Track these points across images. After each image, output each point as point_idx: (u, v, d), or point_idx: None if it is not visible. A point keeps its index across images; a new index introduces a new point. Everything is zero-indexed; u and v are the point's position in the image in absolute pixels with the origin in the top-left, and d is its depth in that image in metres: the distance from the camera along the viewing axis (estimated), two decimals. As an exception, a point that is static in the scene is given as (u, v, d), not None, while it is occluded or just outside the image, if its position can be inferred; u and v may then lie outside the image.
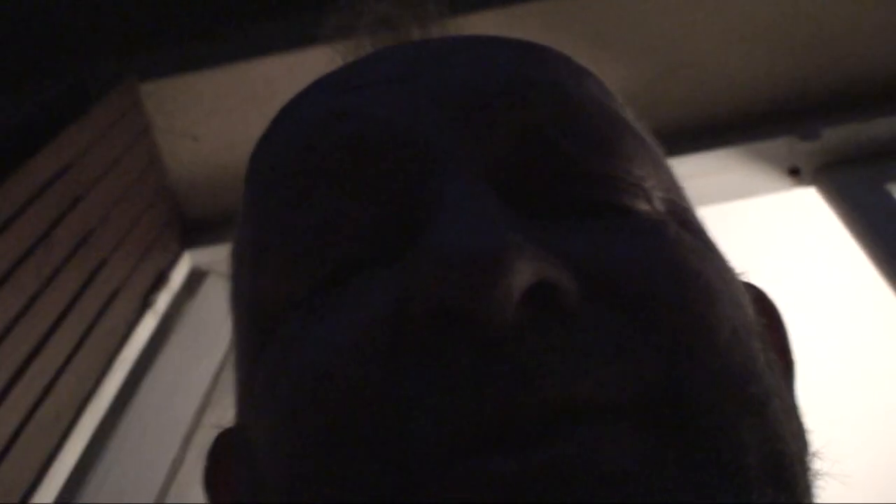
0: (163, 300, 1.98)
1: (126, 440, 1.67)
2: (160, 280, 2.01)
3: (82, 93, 1.97)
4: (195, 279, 2.13)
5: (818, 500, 0.42)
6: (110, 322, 1.78)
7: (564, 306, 0.37)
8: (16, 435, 1.48)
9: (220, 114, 2.10)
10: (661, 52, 2.06)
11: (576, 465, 0.33)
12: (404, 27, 0.63)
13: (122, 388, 1.77)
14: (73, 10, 2.08)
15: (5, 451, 1.45)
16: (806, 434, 0.44)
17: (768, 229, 2.17)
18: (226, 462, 0.53)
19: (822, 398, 2.06)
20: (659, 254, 0.41)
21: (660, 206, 0.45)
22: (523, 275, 0.35)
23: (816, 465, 0.43)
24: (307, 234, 0.44)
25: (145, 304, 1.92)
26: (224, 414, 0.55)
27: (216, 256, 2.12)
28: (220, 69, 2.04)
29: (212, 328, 1.89)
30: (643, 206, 0.44)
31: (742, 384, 0.38)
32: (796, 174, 2.09)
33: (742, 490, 0.35)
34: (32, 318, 1.56)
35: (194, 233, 2.18)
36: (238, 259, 0.51)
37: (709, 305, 0.39)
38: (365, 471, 0.36)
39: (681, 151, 2.07)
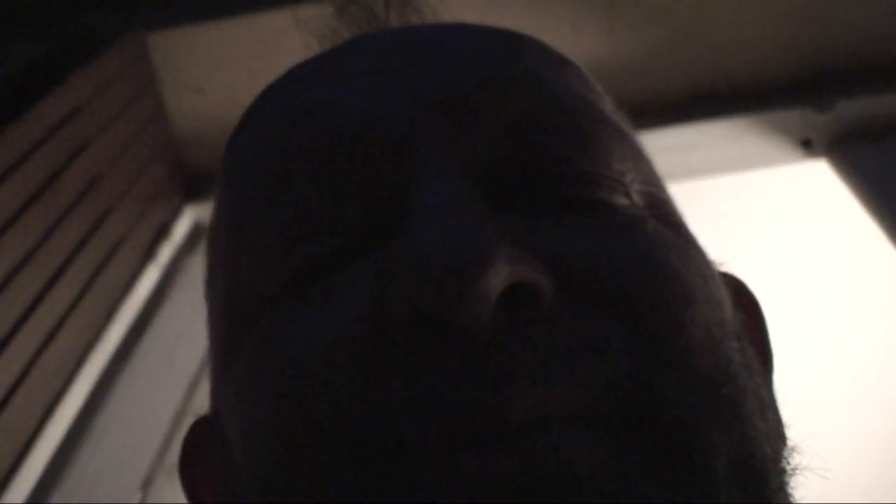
0: (165, 253, 1.96)
1: (128, 390, 1.66)
2: (162, 232, 1.99)
3: (89, 41, 1.95)
4: (197, 234, 2.12)
5: (796, 496, 0.41)
6: (114, 272, 1.76)
7: (541, 307, 0.37)
8: (19, 381, 1.47)
9: (227, 67, 2.07)
10: (675, 17, 2.05)
11: (544, 467, 0.32)
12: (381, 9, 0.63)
13: (124, 338, 1.76)
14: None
15: (8, 396, 1.44)
16: (783, 430, 0.44)
17: (777, 201, 2.16)
18: (202, 450, 0.52)
19: (830, 374, 2.05)
20: (636, 252, 0.40)
21: (638, 199, 0.45)
22: (499, 277, 0.34)
23: (795, 460, 0.42)
24: (283, 227, 0.44)
25: (148, 255, 1.90)
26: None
27: (219, 212, 2.09)
28: (228, 21, 2.01)
29: (214, 284, 1.87)
30: (622, 201, 0.44)
31: (715, 386, 0.38)
32: (808, 146, 2.08)
33: (709, 493, 0.35)
34: (38, 263, 1.54)
35: (197, 187, 2.16)
36: (213, 246, 0.51)
37: (684, 305, 0.39)
38: (340, 471, 0.35)
39: (690, 119, 2.07)
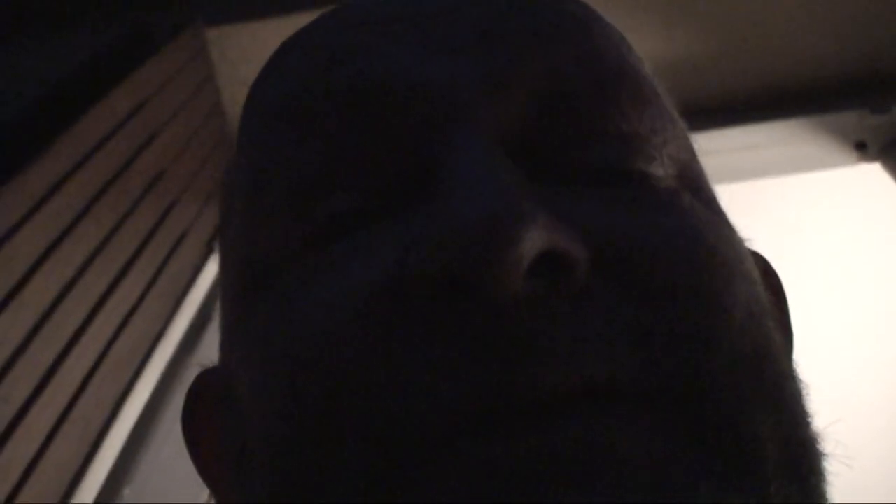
0: (224, 247, 1.96)
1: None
2: (222, 226, 1.99)
3: (150, 37, 1.96)
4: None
5: (830, 486, 0.40)
6: (178, 264, 1.77)
7: (574, 279, 0.35)
8: (91, 372, 1.48)
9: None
10: (734, 20, 2.05)
11: (582, 452, 0.31)
12: None
13: (188, 329, 1.77)
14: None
15: (82, 387, 1.45)
16: (810, 414, 0.41)
17: (831, 203, 2.16)
18: (207, 403, 0.50)
19: (874, 374, 2.05)
20: (673, 229, 0.38)
21: (672, 168, 0.43)
22: (534, 243, 0.33)
23: (822, 445, 0.40)
24: (307, 178, 0.42)
25: (209, 249, 1.91)
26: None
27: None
28: (287, 18, 2.02)
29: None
30: (658, 171, 0.42)
31: (758, 368, 0.37)
32: (863, 148, 2.08)
33: (760, 483, 0.34)
34: (109, 254, 1.55)
35: (253, 182, 2.17)
36: (230, 192, 0.48)
37: (725, 285, 0.37)
38: (352, 445, 0.34)
39: (745, 121, 2.07)
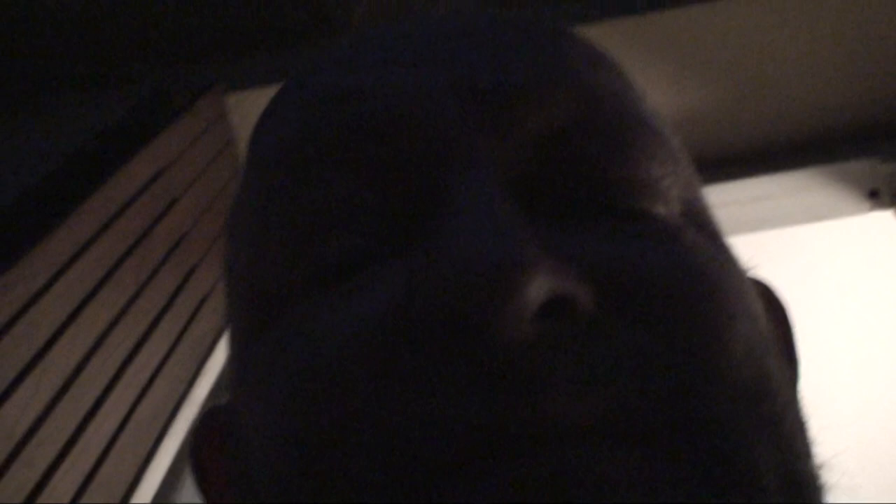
0: (245, 309, 1.97)
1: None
2: (242, 289, 2.00)
3: (167, 101, 1.99)
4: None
5: None
6: (200, 327, 1.79)
7: (578, 317, 0.35)
8: (117, 434, 1.50)
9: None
10: (745, 70, 2.07)
11: (575, 480, 0.31)
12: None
13: (210, 393, 1.78)
14: (160, 15, 2.10)
15: (105, 452, 1.46)
16: (813, 446, 0.42)
17: (844, 251, 2.17)
18: (215, 438, 0.51)
19: (887, 421, 2.05)
20: (675, 265, 0.39)
21: (677, 207, 0.44)
22: (541, 290, 0.33)
23: (826, 477, 0.41)
24: (307, 219, 0.42)
25: (230, 311, 1.92)
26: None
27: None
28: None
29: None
30: (661, 210, 0.43)
31: (756, 402, 0.37)
32: (875, 196, 2.09)
33: None
34: (131, 320, 1.57)
35: (273, 244, 2.18)
36: (234, 233, 0.49)
37: (725, 321, 0.38)
38: (357, 480, 0.34)
39: (758, 171, 2.08)
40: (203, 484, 0.51)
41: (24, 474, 1.27)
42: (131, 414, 1.54)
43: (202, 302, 1.82)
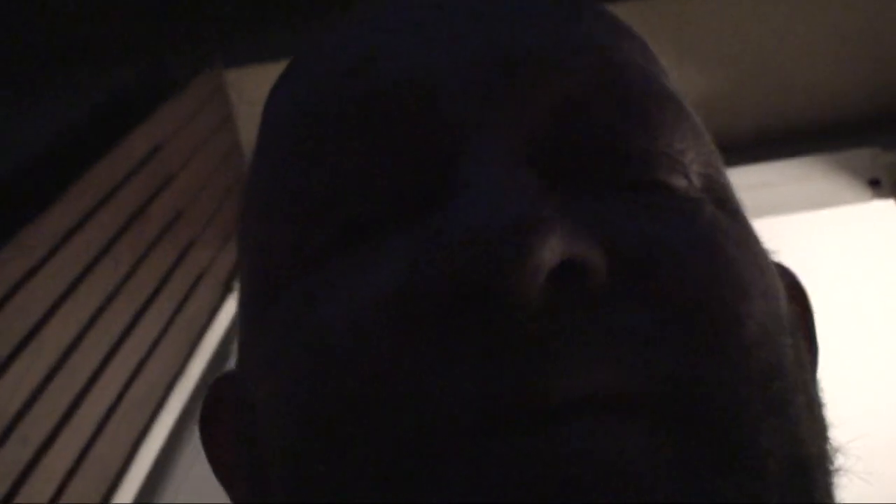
0: (242, 286, 1.97)
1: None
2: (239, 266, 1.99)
3: (166, 78, 1.98)
4: (271, 267, 2.13)
5: (839, 501, 0.39)
6: (195, 305, 1.79)
7: (591, 286, 0.35)
8: (110, 411, 1.50)
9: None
10: (746, 57, 2.06)
11: (582, 453, 0.31)
12: None
13: (206, 369, 1.78)
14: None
15: (100, 428, 1.46)
16: (827, 430, 0.41)
17: (844, 240, 2.16)
18: (224, 408, 0.50)
19: (886, 410, 2.05)
20: (693, 239, 0.38)
21: (697, 181, 0.42)
22: (553, 252, 0.33)
23: (840, 461, 0.40)
24: (320, 189, 0.41)
25: (227, 289, 1.92)
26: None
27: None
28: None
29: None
30: (681, 183, 0.42)
31: (766, 382, 0.36)
32: (876, 185, 2.08)
33: (758, 493, 0.34)
34: (127, 296, 1.57)
35: (271, 221, 2.17)
36: (248, 200, 0.46)
37: (740, 298, 0.37)
38: (367, 448, 0.34)
39: (759, 158, 2.07)
40: (212, 452, 0.50)
41: (17, 451, 1.27)
42: (126, 390, 1.54)
43: (198, 279, 1.81)
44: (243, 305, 0.46)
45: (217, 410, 0.50)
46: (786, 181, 2.08)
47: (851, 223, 2.13)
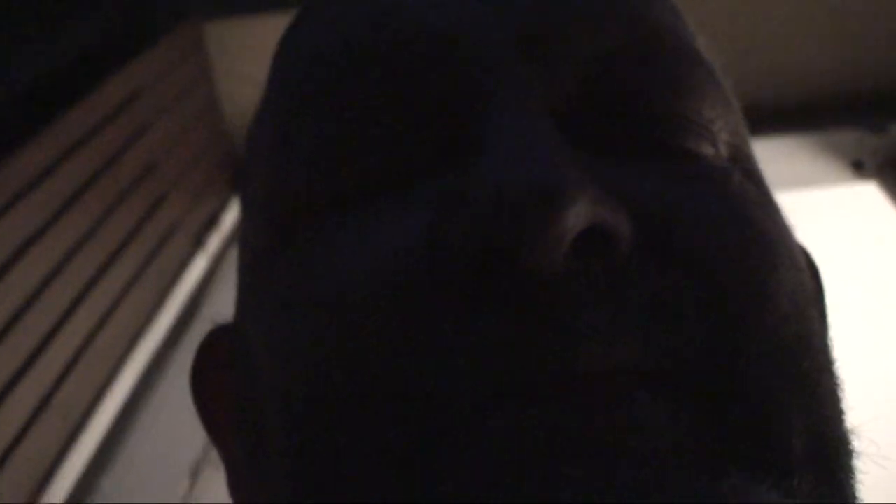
0: (214, 242, 1.96)
1: (178, 377, 1.66)
2: (212, 222, 1.99)
3: (148, 28, 1.95)
4: (245, 226, 2.11)
5: (860, 485, 0.38)
6: (165, 258, 1.76)
7: (618, 255, 0.33)
8: (73, 363, 1.47)
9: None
10: (731, 37, 2.04)
11: (608, 432, 0.30)
12: None
13: (173, 324, 1.76)
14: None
15: (62, 378, 1.44)
16: (844, 413, 0.40)
17: (827, 221, 2.15)
18: (218, 360, 0.49)
19: (871, 392, 2.04)
20: (722, 208, 0.37)
21: (725, 151, 0.41)
22: (580, 217, 0.31)
23: (855, 444, 0.39)
24: (339, 137, 0.40)
25: (198, 243, 1.90)
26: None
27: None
28: (287, 14, 2.00)
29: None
30: (709, 151, 0.40)
31: (796, 358, 0.35)
32: (860, 167, 2.07)
33: (783, 475, 0.32)
34: (95, 245, 1.54)
35: (247, 179, 2.15)
36: (256, 145, 0.46)
37: (771, 269, 0.36)
38: (380, 419, 0.32)
39: (742, 136, 2.06)
40: (203, 407, 0.49)
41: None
42: (91, 340, 1.51)
43: (170, 232, 1.79)
44: (246, 256, 0.45)
45: (211, 364, 0.49)
46: (768, 161, 2.04)
47: (834, 205, 2.13)
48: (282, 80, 0.45)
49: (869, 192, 2.07)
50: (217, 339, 0.50)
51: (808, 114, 2.11)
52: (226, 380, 0.46)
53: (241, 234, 0.47)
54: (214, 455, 1.53)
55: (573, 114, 0.39)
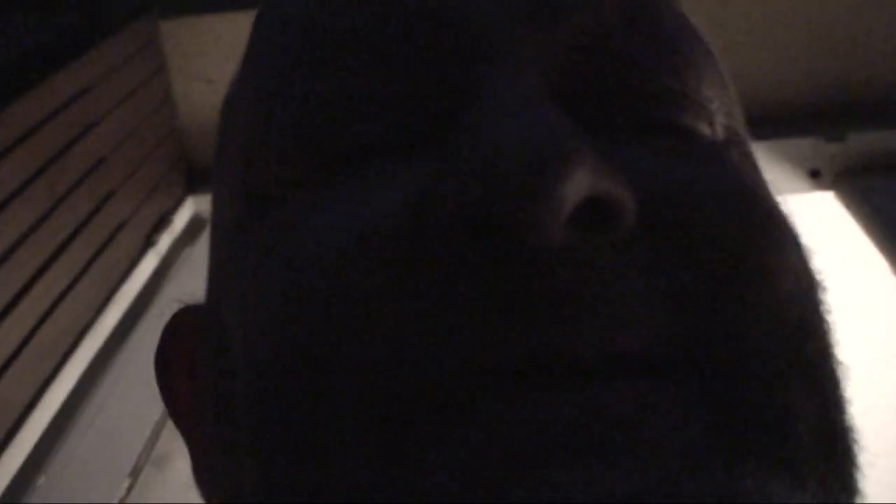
0: (164, 241, 1.94)
1: (121, 377, 1.64)
2: (163, 221, 1.97)
3: (102, 23, 1.93)
4: (197, 226, 2.10)
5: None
6: (113, 256, 1.74)
7: (618, 230, 0.32)
8: (12, 358, 1.45)
9: (238, 59, 2.06)
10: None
11: (609, 424, 0.28)
12: None
13: (119, 323, 1.74)
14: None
15: (2, 372, 1.41)
16: (847, 401, 0.38)
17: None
18: (184, 343, 0.47)
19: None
20: (724, 182, 0.36)
21: (721, 132, 0.40)
22: (580, 186, 0.29)
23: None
24: (321, 103, 0.38)
25: (148, 242, 1.88)
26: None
27: (221, 206, 2.09)
28: (243, 13, 1.99)
29: (212, 276, 1.88)
30: (706, 130, 0.39)
31: (801, 341, 0.34)
32: (817, 176, 2.08)
33: (790, 463, 0.31)
34: (39, 240, 1.52)
35: (200, 178, 2.14)
36: (232, 112, 0.45)
37: (776, 248, 0.35)
38: (356, 400, 0.30)
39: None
40: (168, 392, 0.48)
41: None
42: (32, 336, 1.49)
43: (118, 229, 1.77)
44: (218, 234, 0.43)
45: (176, 346, 0.47)
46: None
47: (791, 213, 2.13)
48: (265, 42, 0.43)
49: (826, 200, 2.07)
50: (184, 320, 0.48)
51: (765, 122, 2.11)
52: (193, 360, 0.45)
53: (213, 215, 0.46)
54: (156, 455, 1.52)
55: (570, 85, 0.38)
